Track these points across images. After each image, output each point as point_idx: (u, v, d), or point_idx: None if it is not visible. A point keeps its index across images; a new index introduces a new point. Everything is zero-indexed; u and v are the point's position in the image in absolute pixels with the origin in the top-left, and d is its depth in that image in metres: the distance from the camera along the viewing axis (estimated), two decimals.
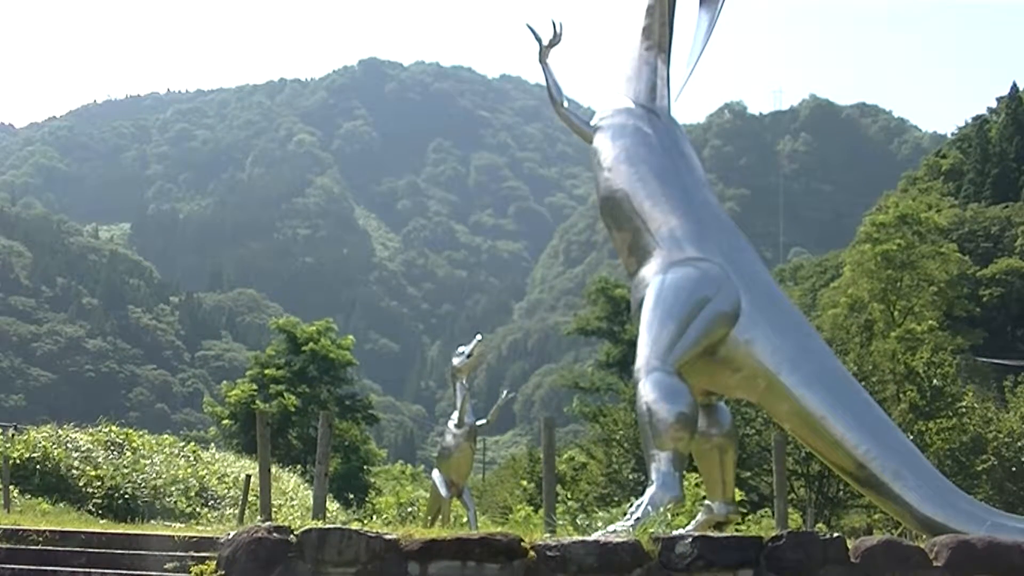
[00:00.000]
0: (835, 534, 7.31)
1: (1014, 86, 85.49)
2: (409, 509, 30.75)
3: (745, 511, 16.91)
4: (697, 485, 17.23)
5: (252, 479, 18.58)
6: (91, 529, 11.67)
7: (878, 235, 50.54)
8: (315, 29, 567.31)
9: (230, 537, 7.46)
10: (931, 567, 7.10)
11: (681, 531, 7.66)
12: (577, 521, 8.97)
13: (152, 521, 18.09)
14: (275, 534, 7.22)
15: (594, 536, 7.24)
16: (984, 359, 51.49)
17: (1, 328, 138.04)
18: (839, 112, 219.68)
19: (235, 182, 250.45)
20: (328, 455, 11.34)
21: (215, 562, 7.48)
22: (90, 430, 23.52)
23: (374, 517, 27.61)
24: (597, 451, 36.70)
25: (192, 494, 22.61)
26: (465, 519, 15.66)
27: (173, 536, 10.03)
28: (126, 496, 20.60)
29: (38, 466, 20.56)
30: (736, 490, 10.42)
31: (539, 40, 10.28)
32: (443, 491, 15.51)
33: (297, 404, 39.39)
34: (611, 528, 7.78)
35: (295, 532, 7.26)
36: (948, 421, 31.25)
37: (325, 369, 42.31)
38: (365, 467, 40.95)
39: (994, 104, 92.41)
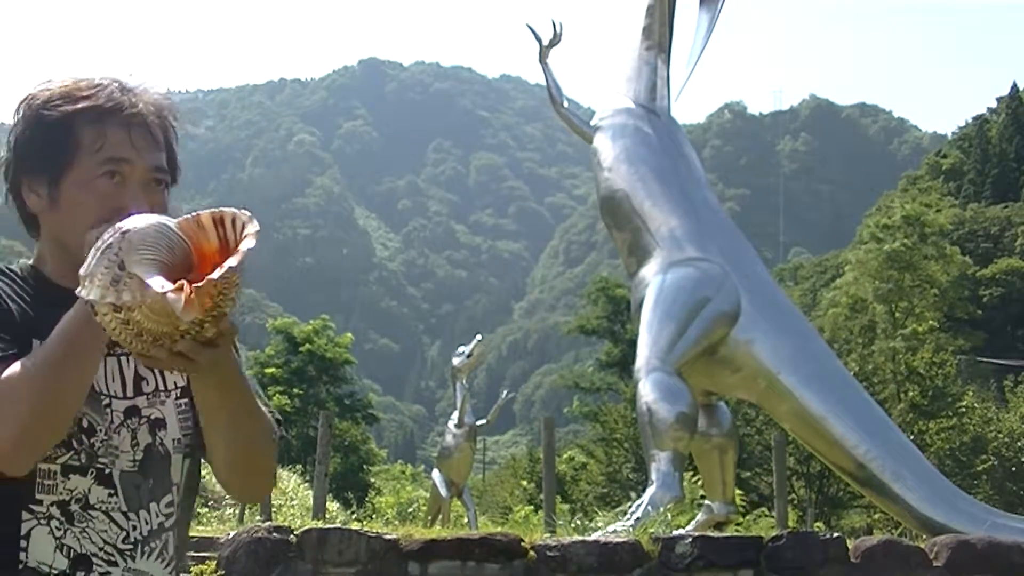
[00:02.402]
0: (835, 534, 7.31)
1: (1014, 86, 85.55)
2: (409, 509, 30.74)
3: (758, 512, 16.84)
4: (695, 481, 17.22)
5: None
6: None
7: (881, 235, 50.51)
8: (315, 29, 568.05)
9: (230, 537, 7.45)
10: (931, 567, 7.09)
11: (681, 531, 7.66)
12: (577, 521, 8.96)
13: None
14: (275, 534, 7.21)
15: (594, 536, 7.24)
16: (984, 359, 51.47)
17: None
18: (839, 112, 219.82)
19: (235, 182, 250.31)
20: (328, 455, 11.35)
21: (215, 562, 7.47)
22: None
23: (374, 517, 27.62)
24: (597, 451, 36.64)
25: None
26: (465, 519, 15.66)
27: None
28: None
29: None
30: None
31: (539, 40, 10.29)
32: (443, 491, 15.51)
33: (295, 405, 39.29)
34: (611, 528, 7.78)
35: (295, 532, 7.25)
36: (948, 421, 31.22)
37: (323, 368, 42.17)
38: (365, 467, 40.86)
39: (994, 104, 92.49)
